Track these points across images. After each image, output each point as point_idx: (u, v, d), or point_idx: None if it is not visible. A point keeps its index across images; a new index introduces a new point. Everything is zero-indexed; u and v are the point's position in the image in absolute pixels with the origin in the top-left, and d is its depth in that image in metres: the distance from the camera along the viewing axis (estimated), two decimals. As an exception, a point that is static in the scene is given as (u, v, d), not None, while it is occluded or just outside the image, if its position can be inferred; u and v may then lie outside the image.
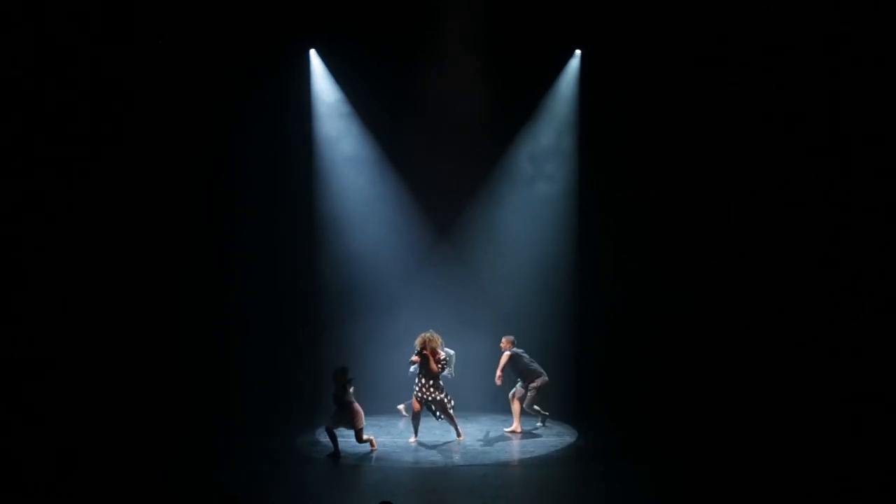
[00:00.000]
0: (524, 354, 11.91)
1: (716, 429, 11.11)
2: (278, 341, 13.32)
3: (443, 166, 13.34)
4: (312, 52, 13.42)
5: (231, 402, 12.43)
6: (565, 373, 13.20)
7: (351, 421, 10.64)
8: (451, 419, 11.40)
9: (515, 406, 11.89)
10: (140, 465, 9.98)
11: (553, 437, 11.67)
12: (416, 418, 11.41)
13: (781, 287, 11.81)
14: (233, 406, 12.38)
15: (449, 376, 11.54)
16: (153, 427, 11.15)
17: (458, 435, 11.47)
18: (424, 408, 11.35)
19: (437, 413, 11.40)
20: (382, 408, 12.78)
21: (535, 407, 11.96)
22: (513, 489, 9.30)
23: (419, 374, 11.32)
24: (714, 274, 12.38)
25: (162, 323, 12.08)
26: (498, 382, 11.73)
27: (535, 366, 11.88)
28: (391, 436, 11.72)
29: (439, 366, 11.23)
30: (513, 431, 11.82)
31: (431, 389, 11.24)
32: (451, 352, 11.64)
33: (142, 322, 11.79)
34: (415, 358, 11.31)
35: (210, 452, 10.76)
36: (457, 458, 10.60)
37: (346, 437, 11.63)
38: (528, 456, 10.71)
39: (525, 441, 11.47)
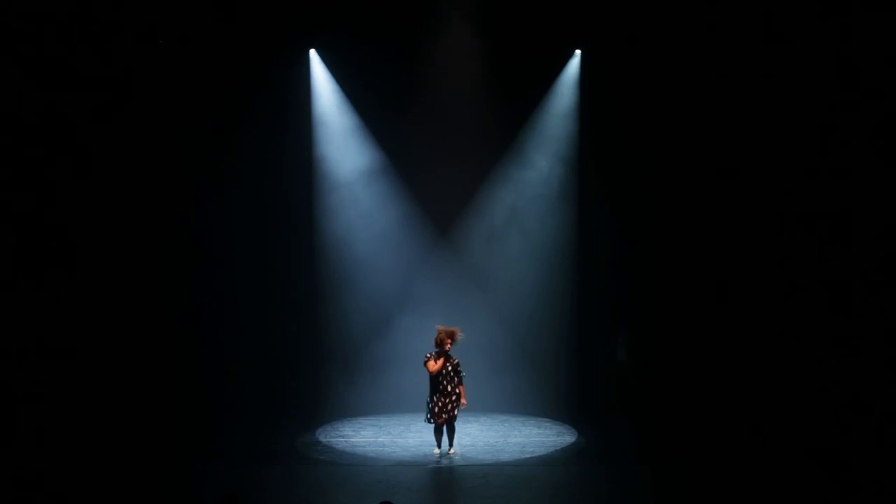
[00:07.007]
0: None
1: (717, 428, 11.10)
2: (278, 340, 13.29)
3: (443, 166, 13.32)
4: (312, 53, 13.42)
5: (231, 401, 12.41)
6: (566, 371, 13.24)
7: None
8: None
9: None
10: (140, 465, 9.97)
11: (553, 437, 11.68)
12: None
13: (782, 287, 11.79)
14: (233, 406, 12.37)
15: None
16: (153, 427, 11.14)
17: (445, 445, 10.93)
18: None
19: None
20: (382, 408, 12.80)
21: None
22: (513, 489, 9.29)
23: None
24: (715, 272, 12.35)
25: (161, 324, 12.06)
26: None
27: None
28: (391, 436, 11.72)
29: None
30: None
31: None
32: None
33: (141, 322, 11.77)
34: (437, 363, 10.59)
35: (210, 452, 10.76)
36: (457, 458, 10.60)
37: (345, 437, 11.67)
38: (528, 456, 10.71)
39: (525, 441, 11.47)
